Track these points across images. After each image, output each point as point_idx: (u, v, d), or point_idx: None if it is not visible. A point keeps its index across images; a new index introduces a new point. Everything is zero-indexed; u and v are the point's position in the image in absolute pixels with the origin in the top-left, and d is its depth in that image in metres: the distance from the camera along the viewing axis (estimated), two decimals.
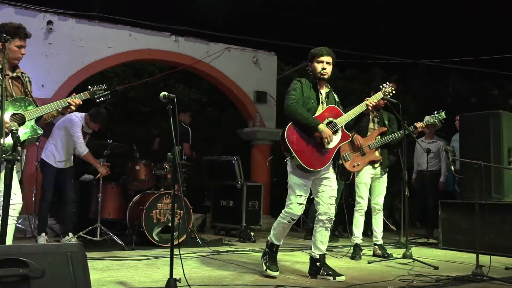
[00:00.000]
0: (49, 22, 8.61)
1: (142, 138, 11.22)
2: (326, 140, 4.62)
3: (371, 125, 6.32)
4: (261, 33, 11.09)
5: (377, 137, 6.26)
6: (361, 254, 6.17)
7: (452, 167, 5.52)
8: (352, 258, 6.11)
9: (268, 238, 4.98)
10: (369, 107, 4.94)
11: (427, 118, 6.50)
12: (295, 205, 4.72)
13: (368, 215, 6.47)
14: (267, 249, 4.94)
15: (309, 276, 4.82)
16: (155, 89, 11.43)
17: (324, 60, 4.80)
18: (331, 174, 4.82)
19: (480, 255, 4.89)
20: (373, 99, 5.08)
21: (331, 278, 4.66)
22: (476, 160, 5.17)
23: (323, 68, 4.79)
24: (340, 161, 6.21)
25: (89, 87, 4.54)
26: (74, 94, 4.36)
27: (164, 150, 7.61)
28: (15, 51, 4.06)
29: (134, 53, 9.51)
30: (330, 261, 5.79)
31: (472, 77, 13.92)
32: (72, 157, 6.93)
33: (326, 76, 4.82)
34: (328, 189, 4.79)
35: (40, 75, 8.41)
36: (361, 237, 6.27)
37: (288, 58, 12.23)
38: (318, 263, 4.82)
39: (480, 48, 13.11)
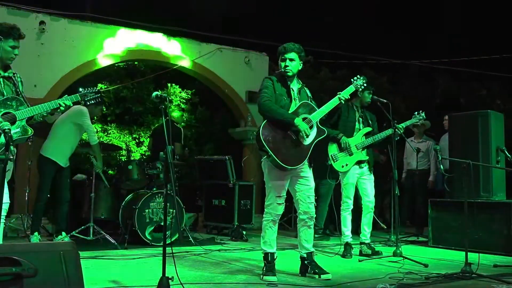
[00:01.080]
0: (42, 23, 8.62)
1: (134, 138, 11.24)
2: (303, 134, 4.65)
3: (357, 125, 6.38)
4: (253, 34, 11.13)
5: (362, 137, 6.32)
6: (352, 252, 6.23)
7: (441, 166, 5.57)
8: (343, 256, 6.16)
9: (261, 248, 4.90)
10: (341, 101, 4.95)
11: (409, 122, 6.66)
12: (274, 205, 4.77)
13: (357, 213, 6.53)
14: (264, 261, 4.85)
15: (300, 275, 4.88)
16: (147, 89, 11.44)
17: (287, 58, 4.83)
18: (308, 173, 4.84)
19: (469, 253, 4.94)
20: (345, 93, 5.06)
21: (317, 276, 4.72)
22: (465, 159, 5.24)
23: (286, 66, 4.83)
24: (328, 162, 6.32)
25: (80, 89, 4.57)
26: (66, 95, 4.39)
27: (157, 149, 7.67)
28: (9, 52, 4.09)
29: (127, 53, 9.53)
30: (322, 260, 5.85)
31: (460, 78, 14.03)
32: (69, 157, 6.92)
33: (289, 73, 4.84)
34: (307, 188, 4.82)
35: (33, 75, 8.41)
36: (351, 235, 6.32)
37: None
38: (306, 261, 4.87)
39: (469, 50, 13.24)
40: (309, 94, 5.02)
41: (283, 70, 4.86)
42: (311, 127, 4.75)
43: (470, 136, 7.25)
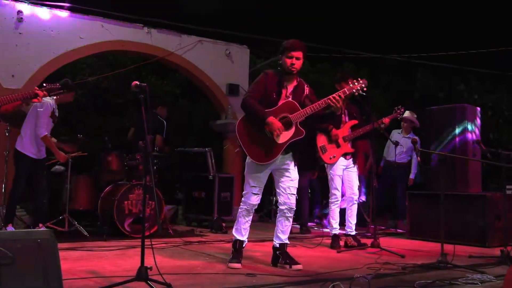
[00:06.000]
0: (20, 12, 8.49)
1: (114, 129, 11.18)
2: (275, 133, 4.66)
3: (343, 117, 6.41)
4: (234, 26, 11.11)
5: (349, 129, 6.38)
6: (340, 244, 6.29)
7: (419, 158, 5.65)
8: (332, 247, 6.23)
9: (232, 234, 5.00)
10: (330, 103, 4.75)
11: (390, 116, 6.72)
12: (249, 195, 4.88)
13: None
14: (232, 248, 4.96)
15: (271, 265, 4.93)
16: (128, 81, 11.34)
17: (294, 55, 4.76)
18: (290, 165, 4.88)
19: (445, 244, 5.04)
20: (338, 95, 4.79)
21: (287, 266, 4.77)
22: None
23: (292, 64, 4.76)
24: (317, 154, 6.37)
25: (44, 84, 4.60)
26: (36, 88, 4.42)
27: (137, 140, 7.64)
28: None
29: (106, 44, 9.44)
30: (302, 251, 5.93)
31: (439, 73, 14.19)
32: (44, 148, 6.84)
33: (295, 71, 4.82)
34: (288, 179, 4.87)
35: (10, 65, 8.31)
36: (339, 227, 6.38)
37: (260, 52, 12.29)
38: (278, 252, 4.93)
39: (447, 44, 13.40)
40: (307, 92, 4.93)
41: (288, 67, 4.79)
42: (288, 127, 4.74)
43: (448, 130, 7.35)
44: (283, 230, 4.95)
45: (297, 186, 4.95)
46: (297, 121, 4.74)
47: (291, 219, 4.96)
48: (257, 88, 4.83)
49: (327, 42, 12.06)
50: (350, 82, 5.10)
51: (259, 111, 4.70)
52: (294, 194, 4.92)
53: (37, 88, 4.93)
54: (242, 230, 4.93)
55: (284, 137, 4.72)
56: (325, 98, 4.77)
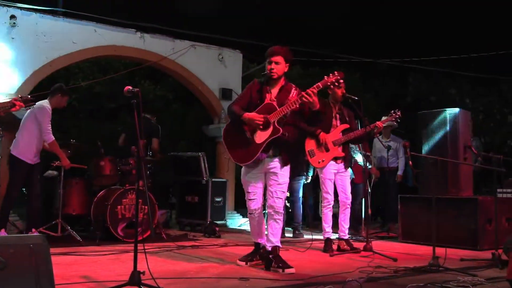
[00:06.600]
0: (13, 17, 8.48)
1: (107, 134, 11.17)
2: (258, 126, 4.80)
3: (334, 121, 6.43)
4: (227, 31, 11.15)
5: (340, 134, 6.38)
6: (333, 247, 6.30)
7: (411, 162, 5.67)
8: (325, 251, 6.24)
9: None
10: (304, 99, 4.71)
11: (384, 118, 6.70)
12: (247, 200, 5.11)
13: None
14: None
15: (264, 269, 4.95)
16: (121, 86, 11.34)
17: (273, 61, 4.93)
18: (277, 169, 4.95)
19: (437, 248, 5.06)
20: (311, 90, 4.73)
21: (280, 270, 4.78)
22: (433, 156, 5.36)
23: (271, 69, 4.93)
24: (305, 157, 6.40)
25: (19, 95, 4.83)
26: (19, 95, 4.61)
27: (130, 145, 7.65)
28: None
29: (99, 49, 9.44)
30: (295, 255, 5.94)
31: (431, 77, 14.25)
32: (39, 153, 6.82)
33: (274, 76, 4.95)
34: (275, 183, 4.95)
35: (3, 70, 8.29)
36: (332, 231, 6.40)
37: (253, 56, 12.32)
38: (270, 255, 4.95)
39: (439, 48, 13.49)
40: (293, 94, 4.93)
41: (268, 72, 4.96)
42: (266, 127, 4.82)
43: (439, 134, 7.40)
44: (273, 233, 4.99)
45: (285, 190, 5.01)
46: (275, 120, 4.81)
47: (280, 222, 5.00)
48: (243, 95, 5.09)
49: (319, 46, 12.13)
50: (325, 77, 4.94)
51: (237, 112, 4.91)
52: (281, 198, 4.97)
53: (15, 98, 5.15)
54: (255, 235, 5.24)
55: (262, 137, 4.83)
56: (299, 95, 4.80)
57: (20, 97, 5.13)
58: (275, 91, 4.99)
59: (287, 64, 5.01)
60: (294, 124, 5.02)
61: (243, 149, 4.90)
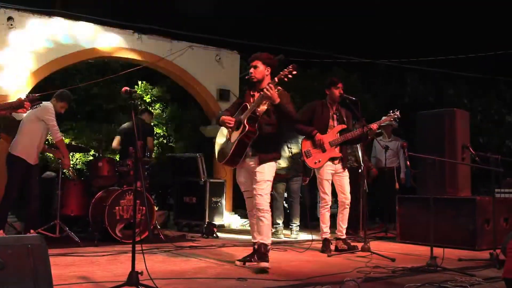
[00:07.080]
0: (10, 18, 8.47)
1: (105, 135, 11.15)
2: (230, 125, 5.10)
3: (331, 122, 6.43)
4: (224, 32, 11.14)
5: (337, 134, 6.38)
6: (331, 247, 6.30)
7: (408, 163, 5.68)
8: (323, 251, 6.24)
9: None
10: (264, 95, 4.85)
11: (384, 118, 6.70)
12: (245, 200, 5.35)
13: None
14: None
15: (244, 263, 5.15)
16: (118, 87, 11.35)
17: (252, 65, 5.20)
18: (256, 168, 5.07)
19: (435, 248, 5.08)
20: (268, 85, 4.85)
21: (255, 263, 4.95)
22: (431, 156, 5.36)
23: (250, 73, 5.19)
24: (301, 158, 6.41)
25: (29, 94, 4.77)
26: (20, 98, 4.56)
27: (126, 146, 7.64)
28: None
29: (97, 50, 9.43)
30: (293, 255, 5.94)
31: (429, 77, 14.26)
32: (38, 154, 6.82)
33: (254, 79, 5.17)
34: (255, 181, 5.08)
35: (1, 71, 8.27)
36: (329, 231, 6.40)
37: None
38: (253, 252, 5.15)
39: (437, 49, 13.49)
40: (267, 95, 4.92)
41: (249, 77, 5.21)
42: (239, 126, 5.03)
43: (437, 134, 7.41)
44: (258, 230, 5.09)
45: (264, 187, 5.02)
46: (245, 120, 4.97)
47: (264, 219, 5.00)
48: (233, 103, 5.46)
49: (317, 47, 12.13)
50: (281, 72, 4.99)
51: (218, 116, 5.26)
52: (261, 195, 5.01)
53: (21, 99, 5.04)
54: (253, 234, 5.27)
55: (235, 136, 5.06)
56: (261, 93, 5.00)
57: (27, 96, 5.05)
58: (257, 94, 5.14)
59: (268, 68, 5.18)
60: (276, 123, 5.13)
61: (222, 149, 5.28)
